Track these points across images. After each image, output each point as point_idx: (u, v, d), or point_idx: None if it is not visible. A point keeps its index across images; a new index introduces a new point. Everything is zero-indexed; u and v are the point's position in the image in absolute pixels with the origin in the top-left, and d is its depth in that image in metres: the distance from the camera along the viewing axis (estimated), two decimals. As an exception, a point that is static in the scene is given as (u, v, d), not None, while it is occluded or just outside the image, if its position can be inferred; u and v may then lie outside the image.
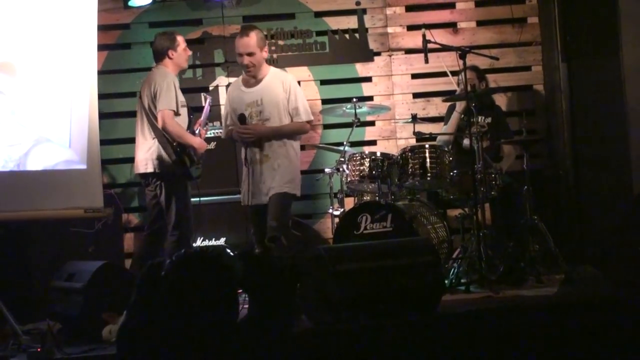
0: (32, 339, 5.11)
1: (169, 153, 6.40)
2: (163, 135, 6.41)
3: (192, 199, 6.61)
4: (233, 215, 7.20)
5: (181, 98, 6.54)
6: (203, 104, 6.96)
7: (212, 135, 7.29)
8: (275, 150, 6.38)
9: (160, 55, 6.62)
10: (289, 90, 6.49)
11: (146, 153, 6.47)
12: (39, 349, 4.82)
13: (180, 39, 6.64)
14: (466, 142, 6.82)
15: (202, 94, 7.29)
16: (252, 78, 6.52)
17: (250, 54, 6.39)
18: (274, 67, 6.78)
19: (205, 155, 6.68)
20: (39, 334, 5.15)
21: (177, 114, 6.46)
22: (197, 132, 6.68)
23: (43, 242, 6.77)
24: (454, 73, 7.32)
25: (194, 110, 6.86)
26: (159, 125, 6.42)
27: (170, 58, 6.58)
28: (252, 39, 6.37)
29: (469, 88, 6.61)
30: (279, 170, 6.34)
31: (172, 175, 6.42)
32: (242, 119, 6.39)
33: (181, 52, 6.63)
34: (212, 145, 7.26)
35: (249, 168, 6.36)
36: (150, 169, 6.44)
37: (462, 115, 7.06)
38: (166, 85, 6.43)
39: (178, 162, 6.40)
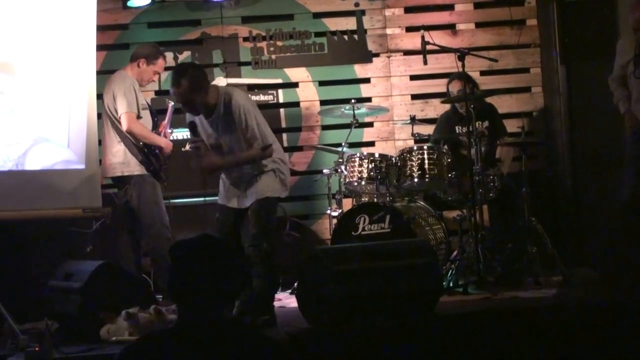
0: (30, 339, 5.09)
1: (135, 154, 6.49)
2: (128, 138, 6.50)
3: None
4: (203, 217, 7.14)
5: (142, 101, 6.64)
6: (167, 107, 6.96)
7: (184, 138, 7.20)
8: (247, 171, 5.86)
9: (132, 58, 6.76)
10: (239, 113, 5.72)
11: (113, 157, 6.53)
12: (36, 349, 4.80)
13: (160, 63, 6.78)
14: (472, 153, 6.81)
15: (165, 98, 7.31)
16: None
17: (185, 104, 5.75)
18: (224, 86, 6.26)
19: (173, 156, 6.71)
20: (37, 334, 5.13)
21: (138, 116, 6.54)
22: (162, 134, 6.77)
23: (41, 242, 6.78)
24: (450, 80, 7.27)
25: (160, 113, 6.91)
26: (123, 128, 6.49)
27: (138, 66, 6.69)
28: (183, 88, 5.60)
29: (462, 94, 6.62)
30: (258, 179, 5.85)
31: (139, 177, 6.47)
32: (192, 126, 5.86)
33: (149, 71, 6.73)
34: (188, 147, 7.07)
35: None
36: (118, 173, 6.53)
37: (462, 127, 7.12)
38: (125, 88, 6.51)
39: (145, 162, 6.49)
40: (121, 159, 6.51)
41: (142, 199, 6.49)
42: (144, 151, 6.51)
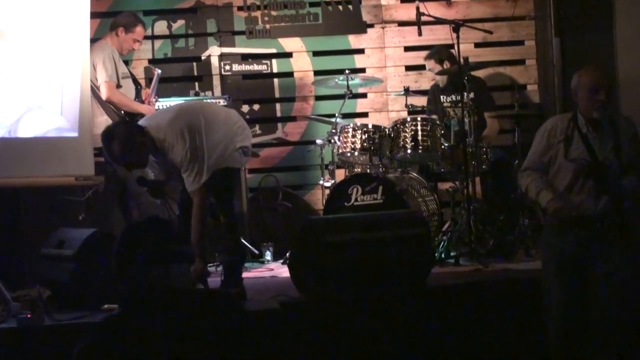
0: (22, 306, 5.11)
1: None
2: (110, 107, 6.59)
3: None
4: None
5: (123, 69, 6.74)
6: (152, 76, 7.04)
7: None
8: None
9: (111, 27, 6.89)
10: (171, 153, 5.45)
11: (96, 129, 6.37)
12: (29, 315, 4.81)
13: (139, 31, 6.87)
14: (453, 123, 6.83)
15: (151, 66, 7.31)
16: None
17: (128, 165, 5.60)
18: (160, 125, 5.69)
19: None
20: (29, 301, 5.15)
21: (118, 85, 6.62)
22: (146, 103, 6.85)
23: (33, 209, 6.77)
24: (446, 47, 7.28)
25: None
26: (103, 97, 6.58)
27: (117, 35, 6.81)
28: (117, 151, 5.39)
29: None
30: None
31: None
32: (141, 183, 5.69)
33: (128, 39, 6.83)
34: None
35: None
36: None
37: (446, 97, 7.20)
38: (104, 57, 6.60)
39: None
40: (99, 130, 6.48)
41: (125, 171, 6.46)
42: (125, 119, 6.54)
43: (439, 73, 7.22)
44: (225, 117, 5.70)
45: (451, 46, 6.92)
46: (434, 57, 7.26)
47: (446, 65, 7.15)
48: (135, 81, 6.93)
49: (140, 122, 5.72)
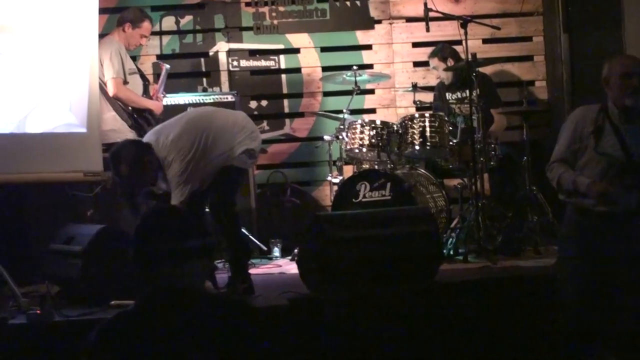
0: (31, 301, 5.11)
1: (125, 119, 6.58)
2: (117, 103, 6.59)
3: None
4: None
5: (130, 65, 6.72)
6: (161, 72, 7.02)
7: (172, 104, 7.20)
8: None
9: (118, 23, 6.86)
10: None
11: (104, 125, 6.54)
12: (38, 311, 4.82)
13: (145, 26, 6.82)
14: (459, 119, 6.83)
15: (160, 62, 7.30)
16: None
17: (138, 184, 5.70)
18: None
19: (163, 117, 6.61)
20: (38, 296, 5.15)
21: (125, 81, 6.61)
22: (154, 98, 6.84)
23: (42, 205, 6.77)
24: (455, 43, 7.27)
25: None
26: (110, 94, 6.56)
27: (123, 31, 6.78)
28: (125, 172, 5.52)
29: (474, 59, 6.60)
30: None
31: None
32: (149, 196, 5.83)
33: (135, 35, 6.80)
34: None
35: None
36: (110, 140, 6.48)
37: (452, 94, 7.20)
38: (111, 54, 6.57)
39: (136, 127, 6.55)
40: (111, 126, 6.59)
41: None
42: (134, 116, 6.60)
43: (446, 69, 7.20)
44: (233, 123, 5.74)
45: (459, 42, 6.91)
46: (437, 55, 7.25)
47: (450, 62, 7.14)
48: (143, 77, 6.94)
49: (148, 135, 5.76)
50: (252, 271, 5.76)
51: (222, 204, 5.64)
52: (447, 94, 7.27)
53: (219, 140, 5.60)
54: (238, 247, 5.64)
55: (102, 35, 6.75)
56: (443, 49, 7.25)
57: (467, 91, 6.63)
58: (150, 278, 2.86)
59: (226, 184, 5.68)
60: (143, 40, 6.95)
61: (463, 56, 6.69)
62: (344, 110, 7.06)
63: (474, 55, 6.68)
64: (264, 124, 7.85)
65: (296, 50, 8.00)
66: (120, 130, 6.56)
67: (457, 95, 7.19)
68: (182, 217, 3.00)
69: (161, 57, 7.76)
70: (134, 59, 7.23)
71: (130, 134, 6.55)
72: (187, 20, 7.91)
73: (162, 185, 5.77)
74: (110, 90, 6.56)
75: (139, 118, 6.61)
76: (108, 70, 6.56)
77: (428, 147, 6.61)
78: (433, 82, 7.79)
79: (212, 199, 5.73)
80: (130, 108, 6.63)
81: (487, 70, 7.21)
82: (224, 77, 7.86)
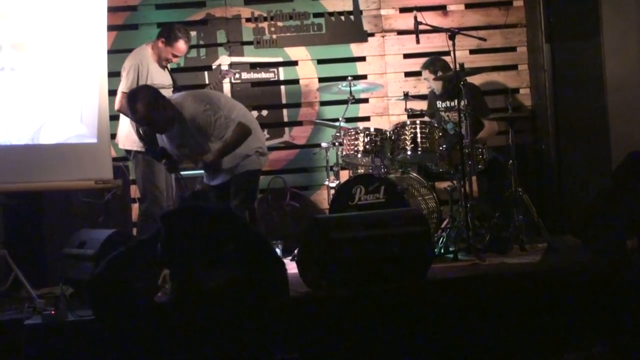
0: (46, 303, 5.11)
1: (134, 131, 6.46)
2: None
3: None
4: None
5: (151, 81, 6.45)
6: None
7: None
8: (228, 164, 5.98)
9: (157, 35, 6.67)
10: (192, 116, 5.80)
11: (120, 130, 6.61)
12: (52, 312, 4.81)
13: (178, 46, 6.54)
14: (449, 127, 6.84)
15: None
16: None
17: (150, 125, 5.88)
18: (176, 98, 6.05)
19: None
20: (53, 298, 5.13)
21: None
22: None
23: (56, 212, 6.78)
24: (444, 54, 7.27)
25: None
26: (115, 106, 6.47)
27: (158, 45, 6.58)
28: (142, 111, 5.71)
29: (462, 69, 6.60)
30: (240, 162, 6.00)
31: (137, 153, 6.49)
32: (162, 153, 5.90)
33: (167, 52, 6.55)
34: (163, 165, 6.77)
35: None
36: (123, 146, 6.64)
37: (442, 103, 7.19)
38: (130, 67, 6.46)
39: (140, 139, 6.43)
40: (125, 133, 6.58)
41: (137, 174, 6.53)
42: (138, 131, 6.40)
43: (435, 79, 7.20)
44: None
45: (447, 53, 6.90)
46: (428, 68, 7.25)
47: (439, 74, 7.13)
48: (177, 89, 6.68)
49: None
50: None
51: (243, 206, 5.76)
52: (437, 103, 7.28)
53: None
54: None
55: (110, 52, 6.74)
56: (434, 62, 7.24)
57: (456, 100, 6.62)
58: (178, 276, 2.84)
59: (246, 189, 5.89)
60: (174, 59, 6.70)
61: (452, 66, 6.68)
62: (340, 119, 7.06)
63: (461, 65, 6.67)
64: (265, 133, 7.82)
65: (294, 63, 8.00)
66: (129, 138, 6.54)
67: (446, 104, 7.19)
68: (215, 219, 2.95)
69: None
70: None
71: (137, 145, 6.49)
72: (191, 35, 7.89)
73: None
74: (116, 103, 6.45)
75: (142, 134, 6.35)
76: (121, 83, 6.46)
77: (419, 152, 6.60)
78: (424, 90, 7.79)
79: (233, 204, 5.81)
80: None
81: (474, 79, 7.20)
82: (227, 89, 7.84)
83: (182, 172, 6.35)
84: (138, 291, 2.95)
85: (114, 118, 6.82)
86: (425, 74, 7.27)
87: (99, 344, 4.64)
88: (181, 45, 6.56)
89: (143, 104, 5.69)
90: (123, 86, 6.44)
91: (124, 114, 6.45)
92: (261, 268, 2.92)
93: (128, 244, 3.03)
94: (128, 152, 6.62)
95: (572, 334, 4.73)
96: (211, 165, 5.88)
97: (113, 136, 6.68)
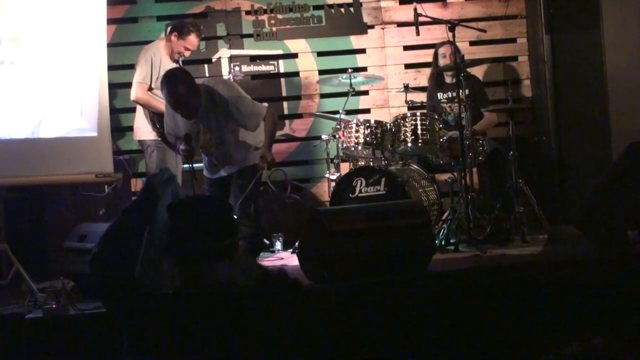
0: (48, 296, 5.09)
1: (148, 121, 6.61)
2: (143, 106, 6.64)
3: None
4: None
5: (164, 72, 6.41)
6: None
7: None
8: (239, 153, 6.10)
9: (167, 31, 6.86)
10: (227, 103, 5.86)
11: (135, 122, 6.74)
12: (54, 306, 4.80)
13: (190, 39, 6.67)
14: (450, 118, 6.82)
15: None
16: None
17: (183, 108, 5.83)
18: (203, 83, 6.10)
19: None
20: (54, 292, 5.12)
21: (150, 88, 6.55)
22: None
23: (57, 206, 6.76)
24: (440, 45, 7.24)
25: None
26: (131, 96, 6.63)
27: (170, 39, 6.70)
28: (181, 94, 5.72)
29: (447, 61, 6.60)
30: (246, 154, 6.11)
31: (151, 142, 6.58)
32: (187, 138, 5.84)
33: (179, 45, 6.66)
34: (180, 151, 6.84)
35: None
36: (136, 137, 6.78)
37: (442, 94, 7.13)
38: (144, 59, 6.59)
39: (155, 130, 6.55)
40: (138, 124, 6.71)
41: (149, 164, 6.56)
42: (154, 121, 6.56)
43: (436, 70, 7.18)
44: None
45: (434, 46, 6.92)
46: (450, 43, 7.14)
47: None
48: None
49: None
50: (256, 263, 5.74)
51: (248, 199, 5.81)
52: (438, 94, 7.24)
53: None
54: (254, 240, 5.70)
55: (110, 45, 6.71)
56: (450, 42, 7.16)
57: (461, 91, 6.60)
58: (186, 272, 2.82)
59: (252, 182, 5.89)
60: (186, 52, 6.79)
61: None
62: (340, 111, 7.03)
63: (462, 56, 6.66)
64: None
65: (294, 55, 7.96)
66: (143, 129, 6.64)
67: (447, 95, 7.16)
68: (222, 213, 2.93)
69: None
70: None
71: (152, 135, 6.60)
72: (202, 29, 7.86)
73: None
74: (132, 94, 6.61)
75: (158, 123, 6.53)
76: (136, 74, 6.60)
77: (420, 144, 6.58)
78: (424, 82, 7.76)
79: (239, 198, 5.84)
80: (151, 112, 6.59)
81: (474, 70, 7.17)
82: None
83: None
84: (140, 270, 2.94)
85: (114, 112, 6.81)
86: (446, 48, 7.13)
87: (100, 338, 4.65)
88: (193, 38, 6.69)
89: (184, 86, 5.71)
90: (137, 77, 6.58)
91: (140, 103, 6.61)
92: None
93: (115, 218, 3.02)
94: (141, 142, 6.72)
95: (573, 325, 4.70)
96: (271, 163, 5.93)
97: (113, 129, 6.66)
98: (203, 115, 5.86)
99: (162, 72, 6.41)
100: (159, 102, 6.52)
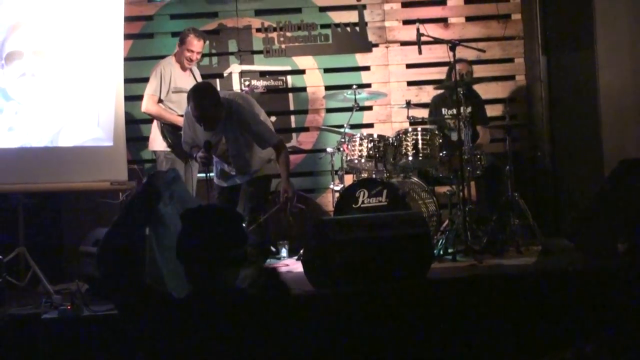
0: (63, 298, 5.10)
1: (160, 132, 6.62)
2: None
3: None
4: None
5: (174, 84, 6.62)
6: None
7: None
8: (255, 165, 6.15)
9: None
10: (245, 121, 5.88)
11: (152, 134, 6.76)
12: (69, 307, 4.81)
13: (189, 41, 6.65)
14: (454, 135, 6.82)
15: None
16: None
17: (207, 121, 5.79)
18: (225, 97, 6.04)
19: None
20: (69, 294, 5.13)
21: (160, 99, 6.58)
22: None
23: (73, 211, 6.79)
24: (444, 64, 7.26)
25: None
26: (142, 109, 6.67)
27: (176, 50, 6.78)
28: (208, 107, 5.73)
29: (459, 78, 6.60)
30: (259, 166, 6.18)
31: (161, 153, 6.63)
32: (207, 145, 5.77)
33: (183, 52, 6.68)
34: (198, 159, 6.76)
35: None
36: (150, 148, 6.82)
37: (447, 110, 7.11)
38: (154, 72, 6.64)
39: (164, 140, 6.59)
40: (152, 135, 6.74)
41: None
42: (163, 131, 6.59)
43: (438, 87, 7.20)
44: None
45: (448, 64, 6.91)
46: (466, 61, 7.17)
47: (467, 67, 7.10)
48: None
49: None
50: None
51: (257, 208, 5.90)
52: (443, 109, 7.23)
53: None
54: (261, 247, 5.71)
55: (127, 59, 6.75)
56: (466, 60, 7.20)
57: (462, 108, 6.61)
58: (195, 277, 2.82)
59: (262, 192, 6.05)
60: (193, 56, 6.70)
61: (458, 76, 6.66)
62: (345, 125, 7.04)
63: (462, 75, 6.67)
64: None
65: (302, 72, 7.98)
66: (155, 140, 6.69)
67: (452, 112, 7.15)
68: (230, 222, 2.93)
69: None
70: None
71: (162, 146, 6.63)
72: (202, 32, 7.88)
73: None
74: (142, 106, 6.64)
75: (168, 134, 6.57)
76: (147, 87, 6.64)
77: (420, 158, 6.60)
78: (425, 99, 7.77)
79: (246, 205, 5.85)
80: (161, 124, 6.62)
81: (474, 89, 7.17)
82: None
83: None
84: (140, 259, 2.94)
85: (129, 123, 6.81)
86: (463, 66, 7.11)
87: (113, 338, 4.65)
88: (191, 40, 6.67)
89: (210, 100, 5.74)
90: (148, 90, 6.63)
91: (150, 114, 6.67)
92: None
93: (118, 214, 3.03)
94: (154, 153, 6.77)
95: (566, 333, 4.69)
96: (293, 196, 5.94)
97: (128, 140, 6.67)
98: (222, 127, 5.87)
99: (173, 85, 6.57)
100: (169, 113, 6.57)
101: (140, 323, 2.77)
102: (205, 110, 5.70)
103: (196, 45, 6.69)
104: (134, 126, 7.48)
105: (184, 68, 6.72)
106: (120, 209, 6.63)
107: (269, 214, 5.98)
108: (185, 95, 6.35)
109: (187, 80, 6.66)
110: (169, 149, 6.62)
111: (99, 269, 2.86)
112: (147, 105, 6.62)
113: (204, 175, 6.18)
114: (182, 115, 6.38)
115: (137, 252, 2.93)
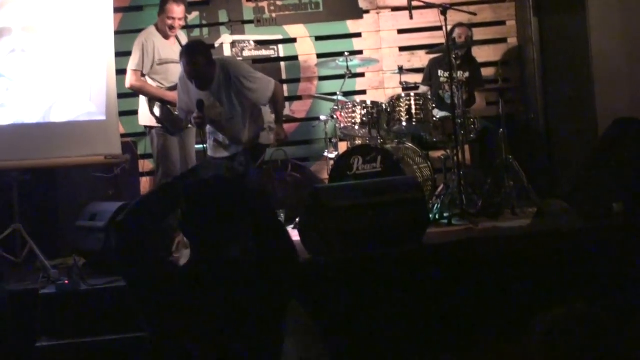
0: (60, 273, 5.11)
1: (148, 107, 6.39)
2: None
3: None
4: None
5: (158, 56, 6.34)
6: None
7: None
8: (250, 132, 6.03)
9: None
10: (240, 76, 5.80)
11: (140, 108, 6.51)
12: (66, 281, 4.81)
13: (168, 8, 6.29)
14: (447, 97, 6.79)
15: None
16: None
17: (199, 79, 5.75)
18: (218, 58, 6.08)
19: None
20: (66, 268, 5.13)
21: (143, 74, 6.34)
22: None
23: (68, 187, 6.75)
24: (436, 29, 7.20)
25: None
26: (126, 84, 6.40)
27: (157, 19, 6.47)
28: (200, 64, 5.65)
29: (453, 43, 6.57)
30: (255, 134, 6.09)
31: (151, 128, 6.43)
32: (200, 104, 5.65)
33: (163, 20, 6.37)
34: (193, 120, 6.69)
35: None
36: (140, 123, 6.56)
37: (444, 72, 7.05)
38: (136, 46, 6.36)
39: (154, 116, 6.37)
40: (141, 110, 6.49)
41: (152, 150, 6.46)
42: (151, 107, 6.37)
43: (430, 52, 7.16)
44: None
45: (439, 28, 6.81)
46: (463, 25, 7.11)
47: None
48: None
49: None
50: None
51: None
52: (439, 71, 7.17)
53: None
54: None
55: (117, 33, 6.66)
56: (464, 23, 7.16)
57: (462, 72, 6.57)
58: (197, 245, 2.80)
59: (256, 162, 5.92)
60: (175, 22, 6.35)
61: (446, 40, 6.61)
62: (338, 93, 7.01)
63: (453, 39, 6.63)
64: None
65: (293, 40, 7.91)
66: (144, 115, 6.46)
67: (449, 74, 7.09)
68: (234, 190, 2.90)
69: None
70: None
71: (152, 121, 6.41)
72: (194, 16, 7.80)
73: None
74: (126, 81, 6.38)
75: (156, 108, 6.35)
76: (129, 62, 6.37)
77: (414, 123, 6.58)
78: (417, 64, 7.72)
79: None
80: (148, 100, 6.39)
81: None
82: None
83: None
84: (157, 243, 2.93)
85: (122, 96, 6.76)
86: (461, 30, 7.08)
87: (110, 311, 4.66)
88: (171, 6, 6.30)
89: (203, 56, 5.69)
90: (130, 64, 6.37)
91: (135, 90, 6.43)
92: (273, 236, 2.88)
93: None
94: (146, 127, 6.55)
95: (558, 292, 4.70)
96: (285, 138, 6.10)
97: (121, 113, 6.62)
98: (216, 88, 5.80)
99: (157, 57, 6.32)
100: (154, 88, 6.38)
101: (152, 295, 2.75)
102: (196, 66, 5.64)
103: (176, 11, 6.33)
104: (127, 99, 7.40)
105: (167, 37, 6.41)
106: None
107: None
108: (172, 66, 6.29)
109: (172, 50, 6.38)
110: (159, 125, 6.40)
111: (114, 238, 2.83)
112: (131, 80, 6.33)
113: (201, 147, 6.15)
114: (170, 89, 6.28)
115: (158, 232, 2.91)
